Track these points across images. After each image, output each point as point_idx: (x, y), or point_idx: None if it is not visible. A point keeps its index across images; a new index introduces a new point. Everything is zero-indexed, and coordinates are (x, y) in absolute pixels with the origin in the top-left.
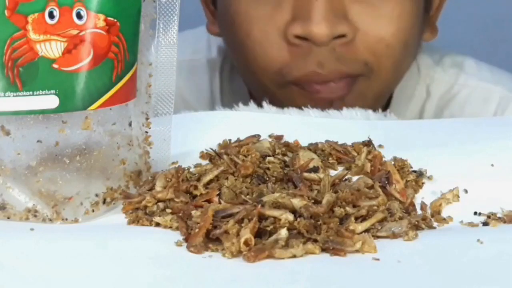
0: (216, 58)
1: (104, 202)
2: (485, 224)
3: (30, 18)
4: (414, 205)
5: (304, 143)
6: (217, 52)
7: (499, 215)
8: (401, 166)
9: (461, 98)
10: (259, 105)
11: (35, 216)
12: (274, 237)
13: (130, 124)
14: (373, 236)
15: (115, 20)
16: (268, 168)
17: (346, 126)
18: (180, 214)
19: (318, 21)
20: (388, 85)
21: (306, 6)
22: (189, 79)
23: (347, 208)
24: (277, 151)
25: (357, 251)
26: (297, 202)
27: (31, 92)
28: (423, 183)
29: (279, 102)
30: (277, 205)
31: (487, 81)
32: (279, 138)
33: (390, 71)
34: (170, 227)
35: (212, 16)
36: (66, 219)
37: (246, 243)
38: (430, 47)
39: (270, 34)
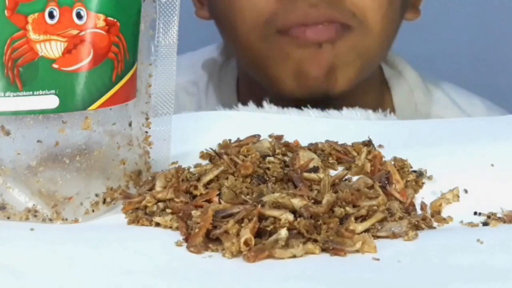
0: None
1: (104, 202)
2: (485, 224)
3: (30, 18)
4: (414, 205)
5: (304, 143)
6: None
7: (499, 215)
8: (401, 166)
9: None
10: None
11: (35, 216)
12: (274, 237)
13: (130, 124)
14: (373, 236)
15: (115, 20)
16: (268, 168)
17: (346, 126)
18: (180, 214)
19: None
20: (380, 43)
21: None
22: None
23: (347, 208)
24: (277, 151)
25: (357, 251)
26: (297, 202)
27: (31, 92)
28: (423, 183)
29: (267, 62)
30: (277, 205)
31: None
32: (279, 138)
33: (379, 26)
34: (170, 227)
35: (199, 2)
36: (66, 219)
37: (246, 243)
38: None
39: None
